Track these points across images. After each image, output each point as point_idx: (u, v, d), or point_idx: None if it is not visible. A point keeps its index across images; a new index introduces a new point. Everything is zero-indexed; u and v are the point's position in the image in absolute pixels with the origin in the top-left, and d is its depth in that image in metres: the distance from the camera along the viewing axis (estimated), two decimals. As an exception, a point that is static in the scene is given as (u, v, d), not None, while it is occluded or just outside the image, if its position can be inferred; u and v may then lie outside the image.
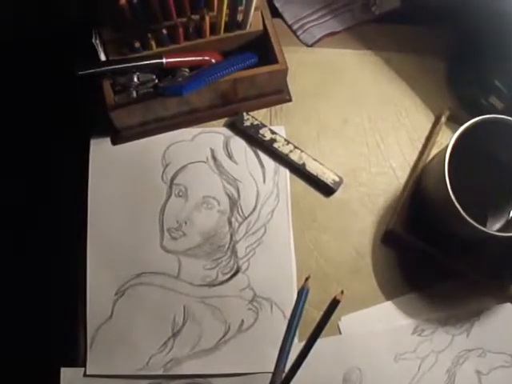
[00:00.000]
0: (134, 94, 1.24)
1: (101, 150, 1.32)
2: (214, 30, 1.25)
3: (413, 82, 1.41)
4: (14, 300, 1.75)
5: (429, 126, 1.38)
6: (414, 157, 1.35)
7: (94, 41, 1.19)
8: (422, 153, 1.34)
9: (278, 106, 1.38)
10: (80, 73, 1.15)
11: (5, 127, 1.72)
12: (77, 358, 1.20)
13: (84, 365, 1.19)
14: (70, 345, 1.21)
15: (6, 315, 1.72)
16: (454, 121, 1.35)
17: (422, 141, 1.36)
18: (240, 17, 1.24)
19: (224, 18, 1.22)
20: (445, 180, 1.12)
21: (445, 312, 1.26)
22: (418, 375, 1.22)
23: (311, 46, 1.43)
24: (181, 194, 1.30)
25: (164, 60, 1.21)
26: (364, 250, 1.29)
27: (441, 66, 1.43)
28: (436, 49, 1.43)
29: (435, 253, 1.25)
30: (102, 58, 1.22)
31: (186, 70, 1.26)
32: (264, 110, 1.37)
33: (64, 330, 1.21)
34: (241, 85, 1.28)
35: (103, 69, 1.19)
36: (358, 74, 1.42)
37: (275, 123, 1.36)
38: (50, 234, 1.68)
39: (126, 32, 1.20)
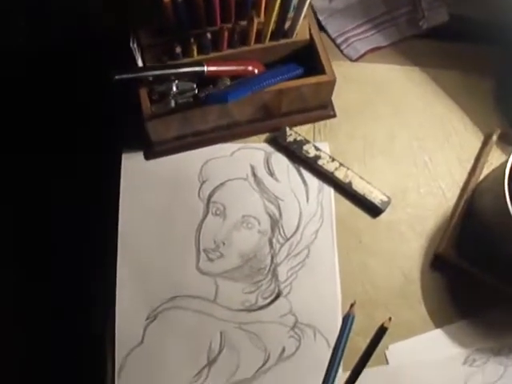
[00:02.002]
0: (173, 104, 1.12)
1: (133, 166, 1.20)
2: (259, 38, 1.14)
3: (461, 100, 1.30)
4: (37, 324, 1.67)
5: (478, 145, 1.26)
6: (463, 177, 1.24)
7: (131, 45, 1.07)
8: (472, 173, 1.23)
9: (322, 122, 1.26)
10: (117, 77, 1.03)
11: (35, 137, 1.64)
12: None
13: None
14: (97, 372, 1.09)
15: (29, 340, 1.66)
16: (504, 140, 1.25)
17: (471, 161, 1.25)
18: (287, 24, 1.13)
19: (271, 26, 1.10)
20: (504, 199, 1.02)
21: (497, 341, 1.13)
22: (469, 410, 1.08)
23: (355, 60, 1.33)
24: (218, 212, 1.17)
25: (205, 68, 1.09)
26: (412, 274, 1.16)
27: (489, 84, 1.32)
28: (484, 67, 1.33)
29: (488, 277, 1.14)
30: (140, 64, 1.10)
31: (228, 80, 1.15)
32: (307, 126, 1.26)
33: (91, 357, 1.11)
34: (286, 97, 1.16)
35: (142, 74, 1.08)
36: (405, 90, 1.31)
37: (319, 140, 1.24)
38: (78, 254, 1.58)
39: (166, 36, 1.09)
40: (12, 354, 1.67)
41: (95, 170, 1.30)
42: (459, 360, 1.12)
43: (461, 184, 1.23)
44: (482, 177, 1.22)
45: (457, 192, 1.22)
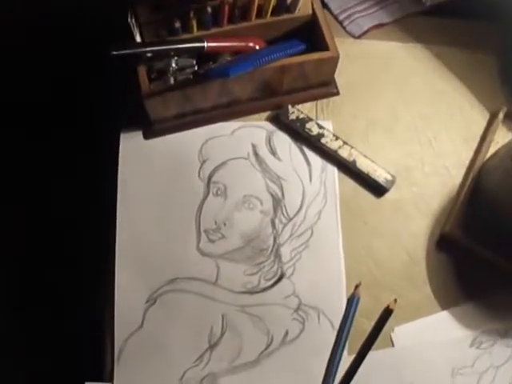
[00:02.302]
0: (172, 81, 1.09)
1: (132, 145, 1.17)
2: (260, 13, 1.11)
3: (465, 77, 1.27)
4: (34, 309, 1.69)
5: (483, 123, 1.23)
6: (469, 156, 1.20)
7: (129, 21, 1.04)
8: (478, 151, 1.19)
9: (325, 100, 1.23)
10: (114, 53, 1.00)
11: (31, 116, 1.64)
12: (103, 372, 1.04)
13: (111, 379, 1.03)
14: (96, 357, 1.06)
15: (26, 325, 1.67)
16: (510, 118, 1.22)
17: (477, 139, 1.22)
18: (289, -1, 1.10)
19: (273, 0, 1.08)
20: (514, 177, 0.98)
21: (504, 323, 1.10)
22: (476, 394, 1.06)
23: (358, 37, 1.30)
24: (219, 192, 1.14)
25: (205, 44, 1.06)
26: (418, 255, 1.13)
27: (493, 61, 1.29)
28: (488, 44, 1.30)
29: (495, 258, 1.10)
30: (138, 39, 1.08)
31: (228, 56, 1.12)
32: (309, 105, 1.22)
33: (89, 341, 1.06)
34: (288, 73, 1.13)
35: (140, 50, 1.05)
36: (408, 68, 1.28)
37: (321, 118, 1.21)
38: (75, 236, 1.58)
39: (165, 11, 1.06)
40: (10, 336, 1.67)
41: (93, 149, 1.31)
42: (466, 342, 1.09)
43: (466, 162, 1.20)
44: (488, 155, 1.19)
45: (462, 171, 1.19)
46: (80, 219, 1.64)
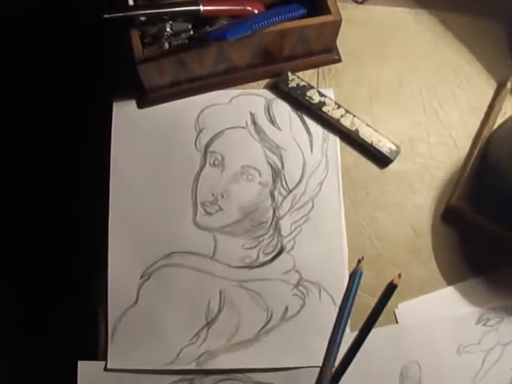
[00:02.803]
0: (166, 46, 1.05)
1: (125, 115, 1.13)
2: None
3: (472, 45, 1.23)
4: (26, 286, 1.69)
5: (490, 93, 1.19)
6: (476, 126, 1.17)
7: None
8: (485, 121, 1.16)
9: (326, 68, 1.19)
10: (106, 16, 0.95)
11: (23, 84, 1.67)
12: (96, 350, 1.02)
13: (104, 358, 1.01)
14: (89, 335, 1.03)
15: (19, 302, 1.68)
16: None
17: (484, 109, 1.18)
18: (289, -42, 1.06)
19: None
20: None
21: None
22: (481, 372, 1.04)
23: (361, 2, 1.25)
24: (217, 163, 1.11)
25: (201, 7, 1.03)
26: (423, 228, 1.10)
27: (502, 29, 1.25)
28: (496, 11, 1.25)
29: (502, 232, 1.07)
30: (131, 2, 1.04)
31: (225, 20, 1.08)
32: (310, 72, 1.18)
33: (82, 319, 1.04)
34: (288, 39, 1.09)
35: (132, 13, 1.01)
36: (413, 34, 1.24)
37: (323, 86, 1.17)
38: (66, 208, 1.59)
39: None
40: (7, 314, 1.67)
41: (85, 120, 1.29)
42: (472, 319, 1.07)
43: (473, 133, 1.16)
44: (495, 126, 1.16)
45: (469, 142, 1.16)
46: (73, 194, 1.61)
